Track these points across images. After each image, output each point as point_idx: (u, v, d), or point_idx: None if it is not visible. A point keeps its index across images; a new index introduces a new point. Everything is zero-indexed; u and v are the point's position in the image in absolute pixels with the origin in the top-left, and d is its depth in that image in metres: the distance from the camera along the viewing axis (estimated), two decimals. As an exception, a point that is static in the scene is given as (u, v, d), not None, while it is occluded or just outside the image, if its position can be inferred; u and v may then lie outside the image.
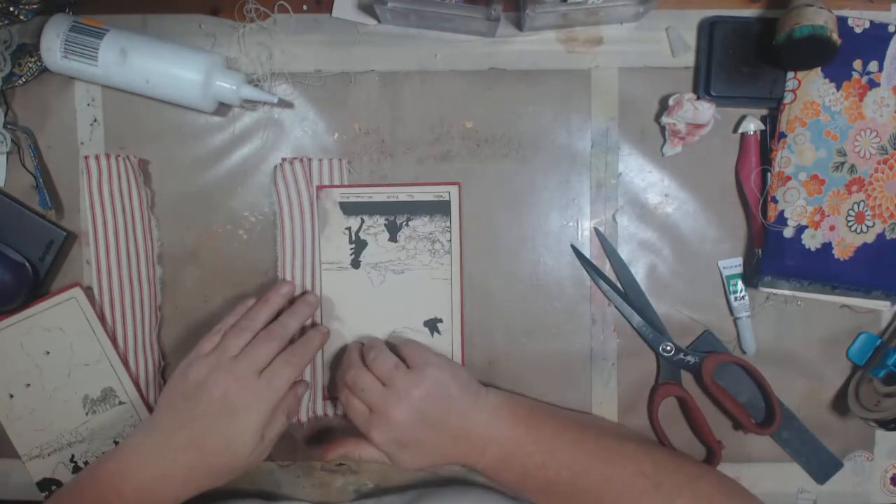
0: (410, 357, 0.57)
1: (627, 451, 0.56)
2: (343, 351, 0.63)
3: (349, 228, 0.63)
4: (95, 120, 0.62)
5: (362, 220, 0.63)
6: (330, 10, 0.62)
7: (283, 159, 0.62)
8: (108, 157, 0.61)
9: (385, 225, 0.63)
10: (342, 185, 0.63)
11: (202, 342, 0.56)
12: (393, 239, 0.63)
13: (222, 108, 0.62)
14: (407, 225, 0.63)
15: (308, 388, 0.62)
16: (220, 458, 0.53)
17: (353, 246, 0.63)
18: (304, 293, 0.62)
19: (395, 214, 0.63)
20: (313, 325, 0.62)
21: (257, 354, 0.54)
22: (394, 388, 0.55)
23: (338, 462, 0.64)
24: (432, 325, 0.63)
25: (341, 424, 0.64)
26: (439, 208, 0.63)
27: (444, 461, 0.56)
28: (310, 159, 0.62)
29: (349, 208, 0.63)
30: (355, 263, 0.63)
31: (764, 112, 0.62)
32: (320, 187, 0.63)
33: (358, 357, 0.58)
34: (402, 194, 0.63)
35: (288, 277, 0.62)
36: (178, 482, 0.52)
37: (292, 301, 0.61)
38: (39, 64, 0.60)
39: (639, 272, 0.63)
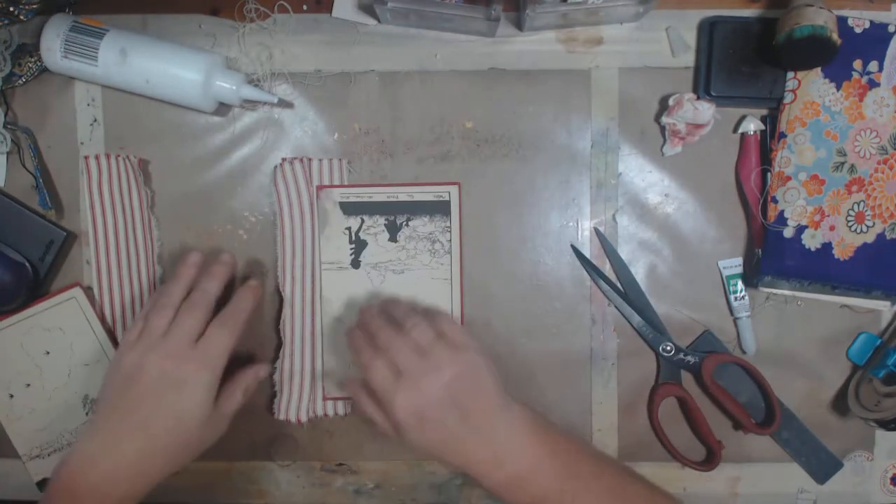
0: (451, 333, 0.54)
1: (637, 491, 0.54)
2: (343, 349, 0.63)
3: (349, 228, 0.63)
4: (95, 120, 0.62)
5: (362, 220, 0.63)
6: (330, 10, 0.62)
7: (283, 159, 0.62)
8: (108, 157, 0.61)
9: (385, 225, 0.63)
10: (342, 185, 0.63)
11: (127, 332, 0.55)
12: (393, 239, 0.63)
13: (222, 108, 0.62)
14: (407, 225, 0.63)
15: (269, 373, 0.61)
16: (171, 436, 0.52)
17: (353, 246, 0.63)
18: (219, 255, 0.60)
19: (395, 214, 0.63)
20: (245, 283, 0.60)
21: (185, 326, 0.53)
22: (431, 358, 0.52)
23: (338, 462, 0.64)
24: (432, 325, 0.63)
25: (342, 425, 0.64)
26: (439, 208, 0.63)
27: (453, 455, 0.52)
28: (310, 159, 0.62)
29: (349, 208, 0.63)
30: (355, 263, 0.63)
31: (764, 112, 0.62)
32: (320, 187, 0.63)
33: (385, 320, 0.56)
34: (402, 194, 0.63)
35: (288, 277, 0.62)
36: (130, 476, 0.51)
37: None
38: (39, 64, 0.60)
39: (639, 272, 0.63)
